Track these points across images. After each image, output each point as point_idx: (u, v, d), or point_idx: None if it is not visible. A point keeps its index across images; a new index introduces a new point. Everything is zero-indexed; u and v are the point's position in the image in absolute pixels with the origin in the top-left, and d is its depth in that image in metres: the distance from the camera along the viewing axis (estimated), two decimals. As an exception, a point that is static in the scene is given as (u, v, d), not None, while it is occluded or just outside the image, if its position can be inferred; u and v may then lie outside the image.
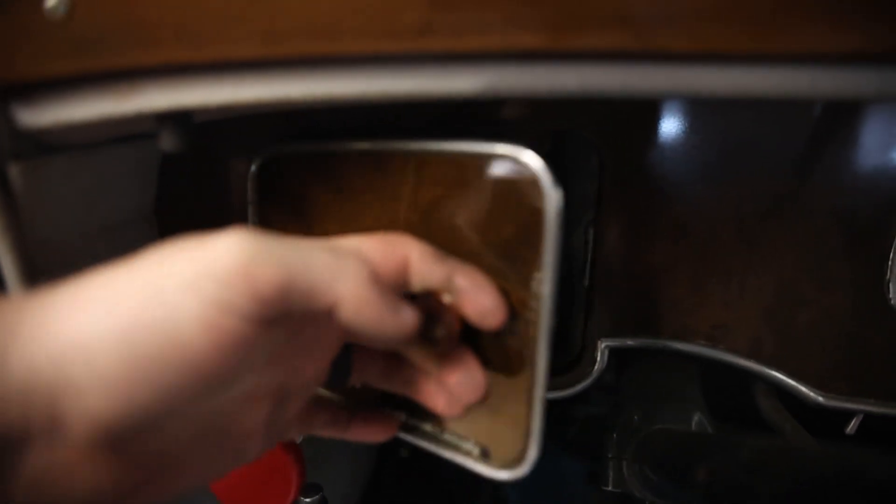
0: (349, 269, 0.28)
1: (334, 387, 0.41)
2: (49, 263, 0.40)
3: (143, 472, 0.27)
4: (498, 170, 0.37)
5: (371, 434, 0.40)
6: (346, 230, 0.44)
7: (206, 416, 0.29)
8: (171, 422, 0.26)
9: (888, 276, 0.49)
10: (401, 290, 0.33)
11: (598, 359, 0.52)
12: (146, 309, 0.24)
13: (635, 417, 0.53)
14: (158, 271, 0.25)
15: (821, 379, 0.52)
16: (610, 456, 0.53)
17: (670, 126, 0.48)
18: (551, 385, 0.52)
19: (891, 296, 0.50)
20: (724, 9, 0.29)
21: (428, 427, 0.41)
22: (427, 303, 0.35)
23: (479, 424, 0.38)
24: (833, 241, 0.49)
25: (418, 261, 0.33)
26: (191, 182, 0.51)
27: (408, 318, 0.31)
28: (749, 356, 0.52)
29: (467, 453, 0.39)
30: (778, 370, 0.52)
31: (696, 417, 0.54)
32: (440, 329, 0.34)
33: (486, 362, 0.37)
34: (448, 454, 0.40)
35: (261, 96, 0.32)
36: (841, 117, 0.48)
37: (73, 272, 0.26)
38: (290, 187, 0.49)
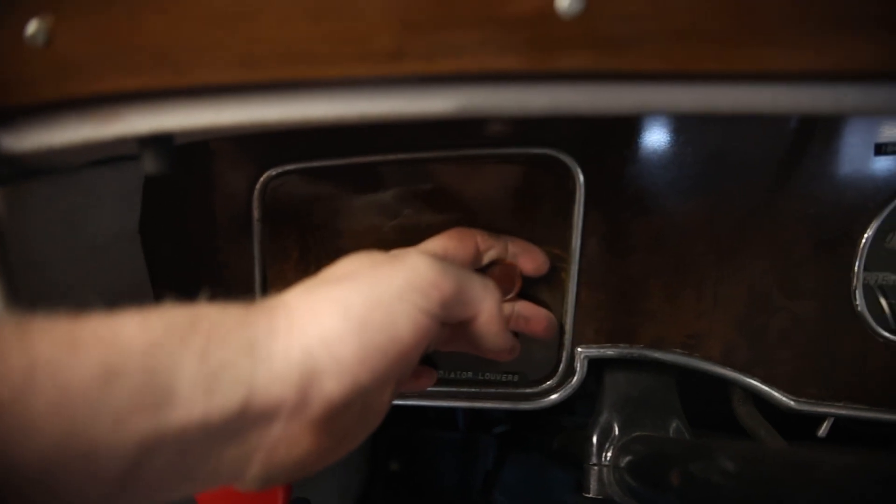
0: (490, 293, 0.38)
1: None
2: (35, 285, 0.40)
3: (332, 441, 0.32)
4: (540, 165, 0.49)
5: (420, 384, 0.49)
6: (380, 240, 0.51)
7: (370, 396, 0.34)
8: (360, 398, 0.32)
9: (854, 284, 0.51)
10: (475, 266, 0.47)
11: (578, 368, 0.53)
12: (372, 312, 0.31)
13: (615, 425, 0.54)
14: (373, 285, 0.32)
15: (792, 384, 0.53)
16: (591, 463, 0.54)
17: (647, 141, 0.49)
18: (530, 395, 0.54)
19: (857, 303, 0.51)
20: (691, 30, 0.30)
21: (468, 374, 0.53)
22: (496, 269, 0.48)
23: (517, 358, 0.47)
24: (802, 250, 0.51)
25: (482, 242, 0.47)
26: (175, 202, 0.51)
27: (511, 339, 0.42)
28: (723, 363, 0.53)
29: (506, 383, 0.53)
30: (751, 376, 0.53)
31: (673, 424, 0.55)
32: (512, 286, 0.49)
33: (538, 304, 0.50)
34: (490, 390, 0.53)
35: (240, 120, 0.33)
36: (808, 130, 0.49)
37: (59, 293, 0.27)
38: (305, 202, 0.51)
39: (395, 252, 0.36)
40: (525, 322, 0.49)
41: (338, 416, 0.31)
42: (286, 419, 0.29)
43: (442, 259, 0.38)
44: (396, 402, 0.54)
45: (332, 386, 0.29)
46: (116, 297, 0.47)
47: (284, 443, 0.30)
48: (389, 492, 1.14)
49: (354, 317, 0.30)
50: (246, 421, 0.28)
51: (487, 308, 0.37)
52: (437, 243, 0.45)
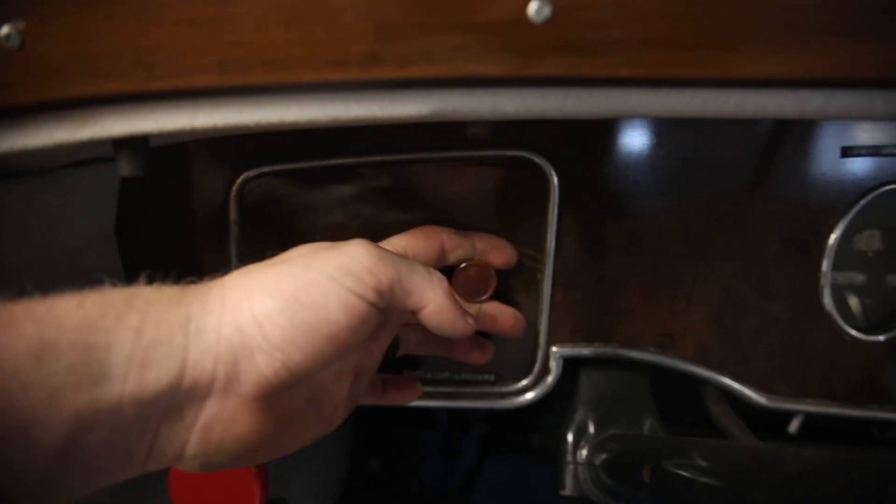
0: (436, 283, 0.37)
1: (386, 360, 0.47)
2: (9, 287, 0.40)
3: (276, 425, 0.33)
4: (514, 167, 0.50)
5: (404, 396, 0.48)
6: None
7: (317, 385, 0.36)
8: (302, 384, 0.33)
9: (822, 284, 0.52)
10: (441, 264, 0.48)
11: (553, 367, 0.53)
12: (302, 292, 0.31)
13: (590, 423, 0.55)
14: (307, 267, 0.32)
15: (763, 382, 0.54)
16: (566, 461, 0.55)
17: (620, 144, 0.50)
18: (506, 394, 0.54)
19: (825, 302, 0.52)
20: (660, 38, 0.31)
21: (444, 375, 0.54)
22: (469, 270, 0.49)
23: (493, 357, 0.50)
24: (772, 251, 0.52)
25: (447, 241, 0.47)
26: (152, 204, 0.51)
27: (471, 322, 0.40)
28: (696, 362, 0.54)
29: (483, 382, 0.54)
30: (723, 374, 0.54)
31: (648, 422, 0.56)
32: (487, 286, 0.50)
33: (509, 306, 0.50)
34: (467, 389, 0.54)
35: (216, 123, 0.33)
36: (777, 134, 0.50)
37: (33, 295, 0.27)
38: (281, 204, 0.51)
39: (340, 242, 0.36)
40: (492, 321, 0.49)
41: (276, 396, 0.32)
42: (219, 395, 0.30)
43: (402, 254, 0.39)
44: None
45: (263, 362, 0.30)
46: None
47: (221, 420, 0.30)
48: (370, 492, 1.14)
49: (285, 296, 0.31)
50: (179, 396, 0.29)
51: (433, 298, 0.37)
52: (399, 240, 0.46)
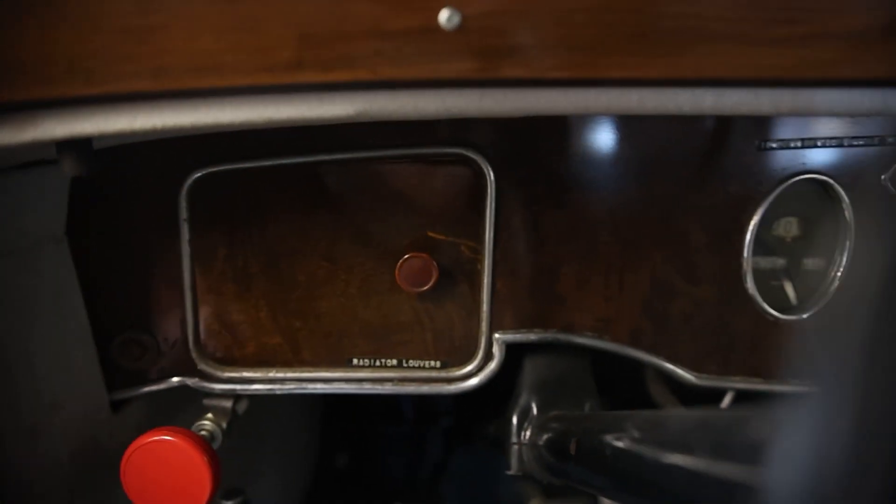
0: None
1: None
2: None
3: None
4: (453, 163, 0.53)
5: None
6: (304, 237, 0.54)
7: None
8: None
9: (744, 269, 0.56)
10: None
11: (496, 353, 0.56)
12: None
13: (533, 406, 0.58)
14: None
15: (693, 362, 0.58)
16: (511, 442, 0.57)
17: (551, 140, 0.53)
18: (452, 380, 0.57)
19: (748, 286, 0.56)
20: (560, 43, 0.34)
21: (393, 362, 0.57)
22: (412, 261, 0.52)
23: (439, 345, 0.56)
24: (697, 239, 0.56)
25: None
26: (103, 204, 0.53)
27: None
28: (631, 345, 0.57)
29: (430, 368, 0.57)
30: (657, 356, 0.58)
31: (588, 404, 0.59)
32: (429, 277, 0.53)
33: (452, 295, 0.55)
34: (414, 375, 0.57)
35: (155, 125, 0.35)
36: (698, 129, 0.54)
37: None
38: (230, 202, 0.53)
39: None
40: None
41: None
42: None
43: None
44: (339, 394, 0.57)
45: None
46: (45, 300, 0.49)
47: None
48: (338, 486, 1.16)
49: None
50: None
51: None
52: None
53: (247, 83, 0.33)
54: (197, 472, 0.48)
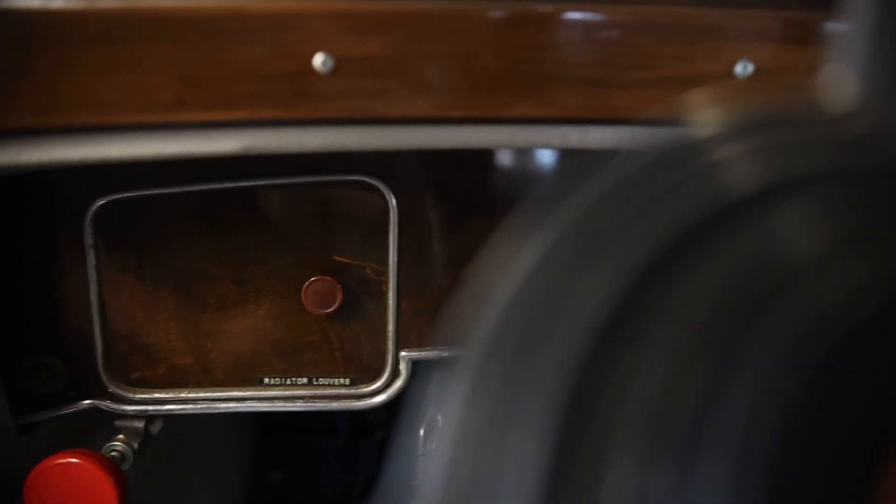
0: None
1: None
2: None
3: None
4: (357, 189, 0.55)
5: None
6: (212, 261, 0.56)
7: None
8: None
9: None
10: None
11: (403, 370, 0.59)
12: None
13: (439, 418, 0.60)
14: None
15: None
16: (419, 454, 0.60)
17: (456, 166, 0.56)
18: (361, 396, 0.59)
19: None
20: (429, 86, 0.37)
21: (303, 380, 0.58)
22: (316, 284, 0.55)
23: (348, 363, 0.58)
24: None
25: None
26: (7, 230, 0.53)
27: None
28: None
29: (340, 385, 0.59)
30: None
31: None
32: (334, 299, 0.55)
33: (359, 316, 0.57)
34: (325, 392, 0.59)
35: (40, 159, 0.36)
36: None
37: None
38: (137, 228, 0.54)
39: None
40: None
41: None
42: None
43: None
44: (268, 411, 0.59)
45: None
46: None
47: None
48: (272, 502, 1.17)
49: None
50: None
51: None
52: None
53: (129, 121, 0.35)
54: (102, 492, 0.49)
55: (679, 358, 0.09)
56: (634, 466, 0.09)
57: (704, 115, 0.15)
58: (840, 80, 0.14)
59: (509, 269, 0.13)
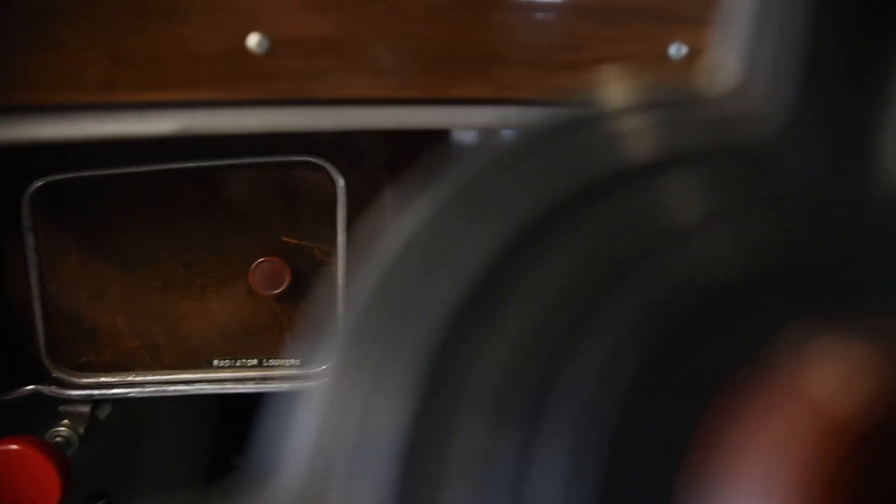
0: None
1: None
2: None
3: None
4: (303, 171, 0.54)
5: None
6: (158, 243, 0.55)
7: None
8: None
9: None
10: None
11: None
12: None
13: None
14: None
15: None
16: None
17: (403, 144, 0.56)
18: (312, 376, 0.59)
19: None
20: (367, 67, 0.37)
21: (254, 362, 0.59)
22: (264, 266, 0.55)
23: (298, 345, 0.57)
24: None
25: None
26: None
27: None
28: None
29: (291, 367, 0.59)
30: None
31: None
32: (282, 280, 0.55)
33: (309, 297, 0.56)
34: (275, 373, 0.59)
35: (-31, 140, 0.35)
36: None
37: None
38: (79, 210, 0.53)
39: None
40: None
41: None
42: None
43: None
44: (225, 394, 0.60)
45: None
46: None
47: None
48: (231, 486, 1.16)
49: None
50: None
51: None
52: None
53: (57, 101, 0.34)
54: (45, 478, 0.48)
55: (534, 322, 0.10)
56: (483, 429, 0.09)
57: (608, 93, 0.16)
58: (724, 62, 0.15)
59: (391, 234, 0.13)
